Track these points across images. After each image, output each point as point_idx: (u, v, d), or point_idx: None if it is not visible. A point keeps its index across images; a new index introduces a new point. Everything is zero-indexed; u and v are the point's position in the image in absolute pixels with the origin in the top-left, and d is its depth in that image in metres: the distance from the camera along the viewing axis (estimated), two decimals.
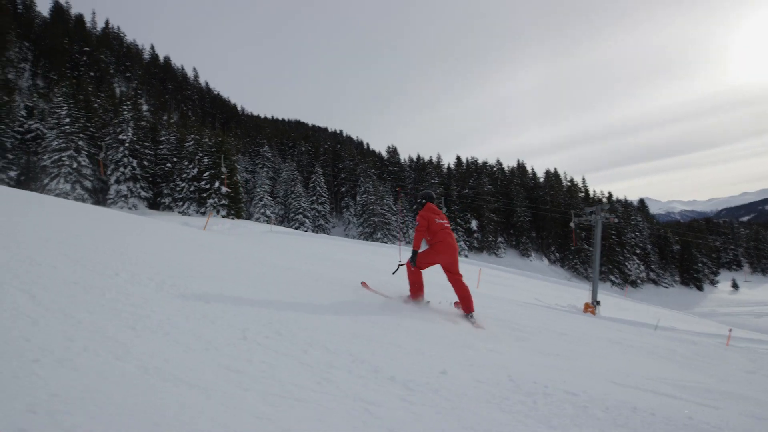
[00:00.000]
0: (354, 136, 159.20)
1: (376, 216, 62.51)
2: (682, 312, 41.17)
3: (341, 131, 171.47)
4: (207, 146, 39.86)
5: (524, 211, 67.88)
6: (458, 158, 73.26)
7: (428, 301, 5.74)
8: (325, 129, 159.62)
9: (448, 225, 5.71)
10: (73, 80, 48.29)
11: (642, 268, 66.56)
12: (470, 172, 71.41)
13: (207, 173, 39.14)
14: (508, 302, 12.13)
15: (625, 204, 72.50)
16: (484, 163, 74.84)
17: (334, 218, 72.49)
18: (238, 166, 64.57)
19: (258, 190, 62.08)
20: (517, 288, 19.50)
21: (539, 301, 17.68)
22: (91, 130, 40.75)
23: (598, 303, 18.35)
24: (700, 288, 68.62)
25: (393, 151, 75.89)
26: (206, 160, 39.45)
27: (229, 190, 38.50)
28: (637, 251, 66.97)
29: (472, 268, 19.93)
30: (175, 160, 43.10)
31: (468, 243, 65.53)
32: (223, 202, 38.89)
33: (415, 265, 5.55)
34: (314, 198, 66.34)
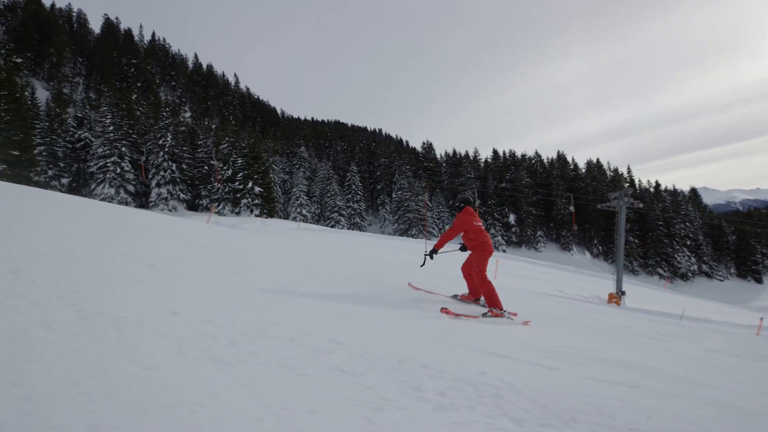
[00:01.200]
0: (393, 134, 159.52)
1: (410, 212, 62.48)
2: (732, 305, 38.84)
3: (380, 130, 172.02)
4: (240, 148, 41.16)
5: (564, 203, 65.82)
6: (495, 151, 72.00)
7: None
8: (365, 128, 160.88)
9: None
10: (119, 91, 51.37)
11: (693, 260, 63.06)
12: (507, 165, 69.98)
13: (240, 174, 40.43)
14: (524, 293, 11.94)
15: (674, 193, 68.81)
16: (523, 155, 73.17)
17: (370, 216, 73.03)
18: (275, 167, 66.47)
19: (294, 190, 63.48)
20: (539, 280, 19.02)
21: (562, 293, 17.21)
22: (134, 136, 43.00)
23: (623, 293, 17.64)
24: (759, 281, 64.25)
25: (428, 147, 75.53)
26: (240, 161, 40.76)
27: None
28: (688, 242, 63.49)
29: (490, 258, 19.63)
30: (212, 163, 44.76)
31: (506, 237, 64.33)
32: (257, 201, 40.06)
33: (431, 258, 6.45)
34: (350, 196, 67.07)
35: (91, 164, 40.10)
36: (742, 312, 31.05)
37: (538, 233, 65.19)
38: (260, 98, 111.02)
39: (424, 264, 6.80)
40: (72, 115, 45.63)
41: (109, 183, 39.83)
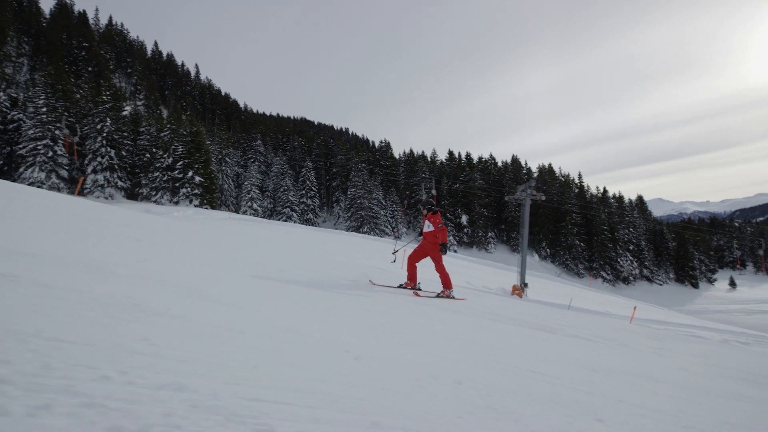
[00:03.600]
0: (359, 135, 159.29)
1: (363, 210, 62.42)
2: (666, 308, 40.33)
3: (347, 129, 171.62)
4: (182, 136, 40.17)
5: (515, 206, 67.10)
6: (450, 152, 72.73)
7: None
8: (331, 126, 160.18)
9: None
10: (67, 74, 49.34)
11: (635, 264, 65.34)
12: (462, 166, 70.85)
13: (181, 162, 39.46)
14: (431, 283, 11.98)
15: (620, 200, 71.19)
16: (480, 158, 74.21)
17: (324, 213, 72.63)
18: (228, 160, 65.32)
19: (246, 183, 62.57)
20: (455, 273, 19.18)
21: (469, 284, 17.43)
22: (70, 119, 41.36)
23: (525, 285, 18.06)
24: (695, 286, 67.14)
25: (386, 146, 75.70)
26: (180, 149, 39.77)
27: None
28: (631, 248, 65.77)
29: (382, 245, 19.73)
30: (154, 150, 43.54)
31: (458, 238, 65.08)
32: (196, 191, 39.18)
33: (445, 253, 8.14)
34: (303, 192, 66.52)
35: (20, 146, 38.33)
36: (672, 314, 32.31)
37: (489, 234, 66.25)
38: (221, 91, 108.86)
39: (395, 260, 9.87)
40: (6, 94, 43.45)
41: (40, 167, 38.18)
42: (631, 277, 64.66)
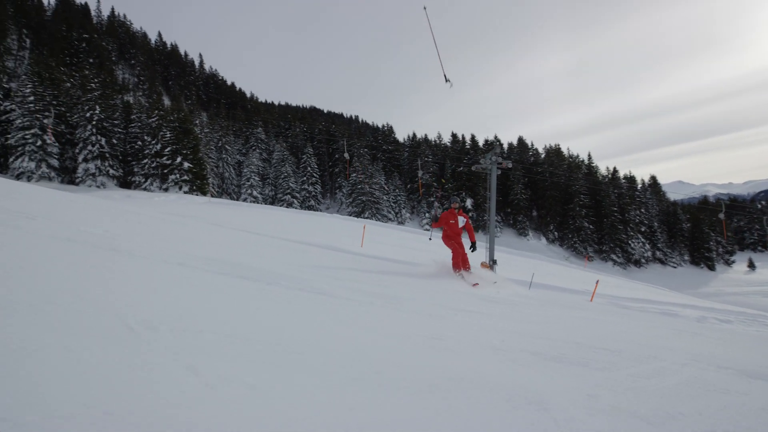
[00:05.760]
0: (370, 122, 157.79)
1: (364, 195, 61.35)
2: (678, 291, 38.62)
3: (356, 116, 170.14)
4: (170, 121, 39.44)
5: (521, 188, 65.31)
6: (453, 135, 70.98)
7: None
8: (341, 115, 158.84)
9: None
10: (68, 66, 49.03)
11: (647, 246, 63.11)
12: (466, 150, 69.11)
13: (169, 148, 38.79)
14: (397, 263, 11.11)
15: (630, 180, 68.70)
16: (486, 140, 72.24)
17: (327, 199, 71.76)
18: (228, 148, 64.70)
19: (246, 171, 61.96)
20: (416, 249, 18.08)
21: (435, 262, 16.29)
22: (60, 108, 40.95)
23: (494, 262, 16.74)
24: (711, 268, 64.64)
25: (389, 130, 74.26)
26: (168, 135, 39.07)
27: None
28: (643, 229, 63.49)
29: (356, 225, 18.62)
30: (145, 138, 42.97)
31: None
32: (185, 177, 38.51)
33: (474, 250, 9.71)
34: (305, 179, 65.69)
35: (9, 136, 38.05)
36: (684, 297, 30.67)
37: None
38: (227, 81, 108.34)
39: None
40: None
41: (29, 156, 37.89)
42: (643, 260, 62.52)
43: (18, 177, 37.64)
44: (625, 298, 13.77)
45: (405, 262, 10.86)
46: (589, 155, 70.89)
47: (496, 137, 70.65)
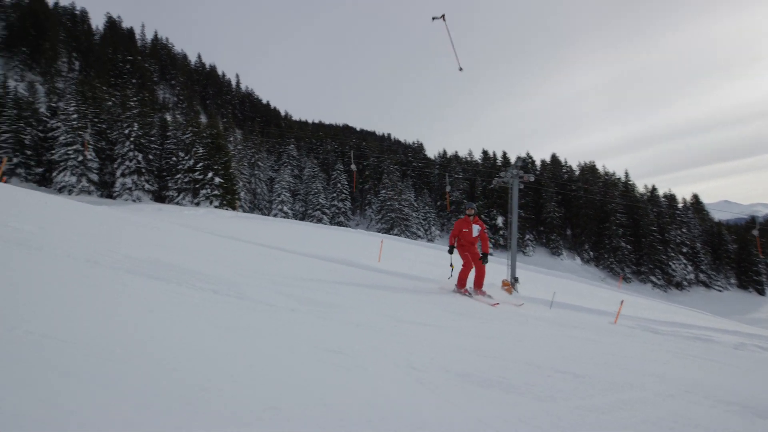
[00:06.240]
0: (402, 139, 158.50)
1: (393, 212, 61.13)
2: (725, 316, 36.45)
3: (389, 134, 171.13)
4: (203, 138, 40.49)
5: (555, 206, 63.68)
6: (484, 152, 70.17)
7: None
8: (373, 132, 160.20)
9: None
10: (112, 87, 51.44)
11: (690, 268, 60.12)
12: (497, 166, 68.13)
13: (201, 164, 39.72)
14: (385, 275, 10.77)
15: (671, 198, 65.92)
16: (518, 157, 71.03)
17: (357, 216, 71.87)
18: (260, 164, 65.94)
19: (277, 186, 62.86)
20: (437, 266, 17.57)
21: (454, 279, 15.79)
22: (101, 125, 42.72)
23: (516, 280, 16.10)
24: (761, 292, 60.86)
25: (419, 147, 74.15)
26: (201, 151, 40.07)
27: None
28: (684, 250, 60.61)
29: (374, 239, 18.25)
30: (181, 154, 44.23)
31: (493, 240, 62.38)
32: (216, 192, 39.26)
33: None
34: (335, 195, 66.11)
35: (53, 152, 39.87)
36: (727, 322, 28.84)
37: (527, 237, 63.07)
38: (262, 100, 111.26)
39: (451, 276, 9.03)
40: (43, 105, 45.60)
41: (71, 171, 39.54)
42: (684, 282, 59.52)
43: (60, 191, 39.31)
44: (657, 321, 12.86)
45: (415, 277, 10.42)
46: (626, 173, 68.67)
47: (528, 154, 69.51)
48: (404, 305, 5.51)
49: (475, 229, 8.89)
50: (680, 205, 66.59)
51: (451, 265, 9.12)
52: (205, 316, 2.92)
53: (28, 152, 42.16)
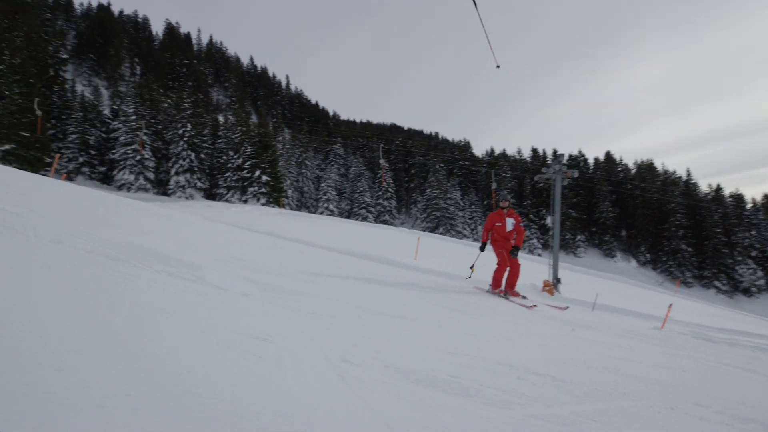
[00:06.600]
0: (450, 138, 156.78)
1: (438, 211, 60.49)
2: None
3: (436, 133, 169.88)
4: (251, 137, 41.59)
5: (608, 206, 60.91)
6: (534, 150, 68.11)
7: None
8: (421, 131, 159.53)
9: None
10: (170, 90, 54.16)
11: (759, 273, 55.80)
12: (546, 164, 65.94)
13: (249, 162, 40.81)
14: (412, 271, 10.55)
15: (738, 198, 61.40)
16: (570, 155, 68.57)
17: (402, 214, 71.69)
18: (307, 163, 67.07)
19: (323, 185, 63.70)
20: (479, 266, 17.07)
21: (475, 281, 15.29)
22: (157, 126, 44.80)
23: (558, 280, 15.34)
24: None
25: (465, 145, 73.04)
26: (249, 149, 41.16)
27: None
28: (753, 254, 56.33)
29: (411, 237, 17.89)
30: (230, 153, 45.68)
31: (542, 241, 60.49)
32: (263, 190, 40.23)
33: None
34: (380, 193, 66.23)
35: (114, 152, 42.18)
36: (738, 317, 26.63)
37: (578, 237, 60.67)
38: (311, 100, 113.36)
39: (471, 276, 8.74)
40: (106, 107, 48.30)
41: (130, 169, 41.68)
42: (753, 289, 55.31)
43: (120, 188, 41.55)
44: (713, 327, 11.85)
45: (446, 275, 10.07)
46: (687, 171, 64.70)
47: (580, 152, 66.87)
48: (389, 298, 5.21)
49: (509, 223, 8.25)
50: (749, 206, 61.98)
51: (472, 267, 8.64)
52: (135, 295, 2.76)
53: (92, 152, 44.80)
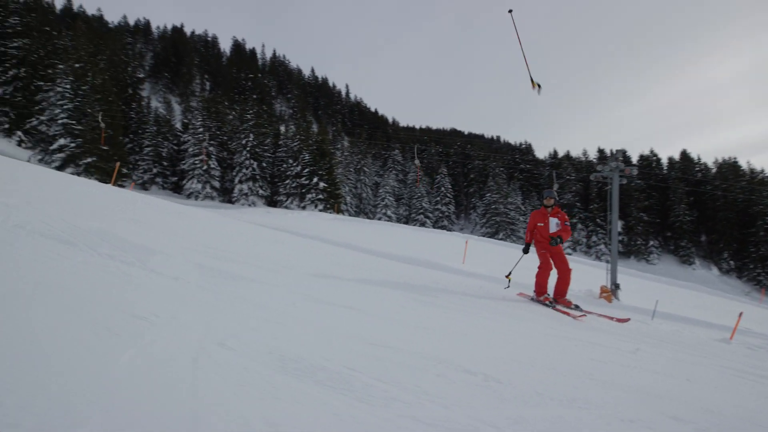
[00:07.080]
0: (511, 141, 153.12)
1: (498, 215, 58.95)
2: None
3: (498, 137, 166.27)
4: (309, 145, 42.65)
5: (685, 209, 56.61)
6: (600, 151, 64.71)
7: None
8: (482, 136, 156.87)
9: None
10: (237, 103, 57.22)
11: None
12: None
13: (307, 170, 41.82)
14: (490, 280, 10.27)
15: None
16: (641, 155, 64.61)
17: (461, 220, 70.57)
18: (366, 170, 67.81)
19: (381, 191, 64.06)
20: (526, 269, 16.32)
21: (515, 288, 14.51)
22: (223, 137, 47.07)
23: (617, 286, 14.30)
24: None
25: (527, 148, 70.82)
26: (307, 157, 42.20)
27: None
28: None
29: (457, 240, 17.29)
30: (290, 161, 47.11)
31: (611, 246, 57.23)
32: (320, 196, 41.04)
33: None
34: (438, 199, 65.61)
35: (183, 162, 44.74)
36: None
37: (651, 243, 56.81)
38: (371, 108, 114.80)
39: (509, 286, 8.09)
40: (178, 121, 51.39)
41: (197, 179, 44.01)
42: None
43: (188, 197, 43.97)
44: (721, 326, 10.47)
45: (489, 278, 9.60)
46: None
47: (652, 151, 62.74)
48: (359, 291, 4.84)
49: (553, 223, 7.46)
50: None
51: (509, 276, 7.89)
52: (41, 274, 2.61)
53: (165, 163, 47.80)
